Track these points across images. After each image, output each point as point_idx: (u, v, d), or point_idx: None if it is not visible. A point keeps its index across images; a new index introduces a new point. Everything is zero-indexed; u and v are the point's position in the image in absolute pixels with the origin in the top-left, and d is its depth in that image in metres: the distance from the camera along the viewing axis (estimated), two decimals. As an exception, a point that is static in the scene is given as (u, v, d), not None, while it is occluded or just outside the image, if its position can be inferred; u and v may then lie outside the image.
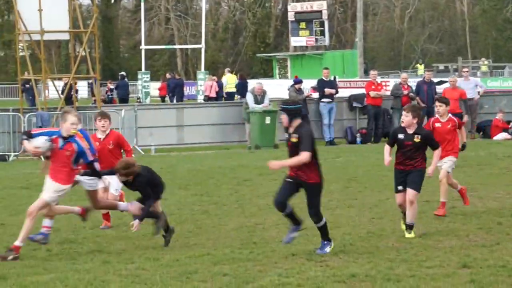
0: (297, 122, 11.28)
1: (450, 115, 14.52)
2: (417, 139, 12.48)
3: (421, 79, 34.50)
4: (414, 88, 30.57)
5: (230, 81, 45.58)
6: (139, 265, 10.88)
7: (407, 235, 12.35)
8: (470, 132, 30.50)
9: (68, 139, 11.57)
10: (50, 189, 11.62)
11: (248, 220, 14.21)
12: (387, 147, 12.87)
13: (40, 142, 11.58)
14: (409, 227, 12.45)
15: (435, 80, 35.58)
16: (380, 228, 13.25)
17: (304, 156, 11.01)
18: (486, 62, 66.24)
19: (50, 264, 11.12)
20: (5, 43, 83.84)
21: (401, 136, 12.57)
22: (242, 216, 14.49)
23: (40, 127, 27.29)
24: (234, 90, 43.95)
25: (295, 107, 11.37)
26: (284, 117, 11.30)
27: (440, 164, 14.07)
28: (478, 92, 30.91)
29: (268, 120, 27.58)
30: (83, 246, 12.32)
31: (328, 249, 11.30)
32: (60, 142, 11.54)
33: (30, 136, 11.64)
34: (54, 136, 11.56)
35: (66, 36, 31.20)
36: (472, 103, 30.57)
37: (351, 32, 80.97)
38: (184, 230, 13.53)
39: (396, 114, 30.09)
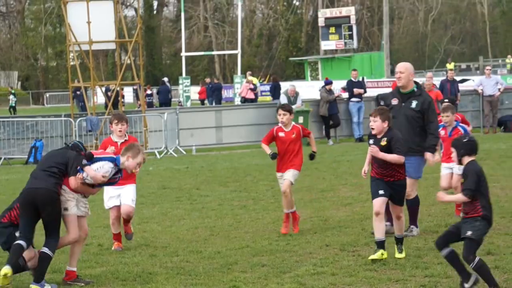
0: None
1: (293, 123, 12.69)
2: (383, 142, 10.44)
3: (444, 78, 34.25)
4: (438, 86, 30.36)
5: (253, 82, 45.56)
6: (183, 258, 10.92)
7: (397, 255, 10.44)
8: (491, 127, 30.31)
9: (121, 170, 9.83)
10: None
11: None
12: (367, 156, 10.70)
13: (106, 170, 9.58)
14: (400, 242, 10.59)
15: (458, 78, 35.31)
16: (407, 218, 13.16)
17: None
18: (511, 60, 65.56)
19: (102, 258, 11.20)
20: (57, 54, 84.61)
21: (370, 141, 10.59)
22: (279, 210, 14.49)
23: (90, 130, 27.52)
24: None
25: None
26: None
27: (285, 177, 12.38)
28: (499, 89, 30.71)
29: (301, 119, 27.51)
30: (131, 241, 12.38)
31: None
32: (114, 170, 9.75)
33: (91, 158, 9.56)
34: (114, 163, 9.74)
35: (112, 46, 31.38)
36: (493, 99, 30.40)
37: (377, 35, 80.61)
38: (224, 224, 13.55)
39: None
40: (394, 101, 11.72)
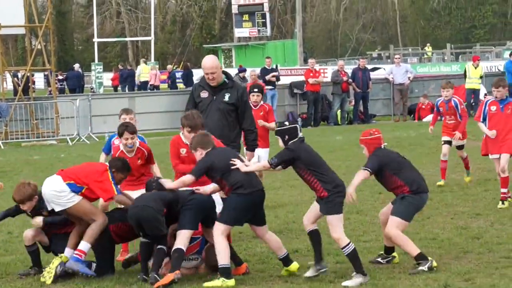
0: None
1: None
2: None
3: (356, 66, 34.73)
4: (350, 75, 30.79)
5: (144, 70, 45.53)
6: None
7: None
8: (401, 115, 30.87)
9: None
10: None
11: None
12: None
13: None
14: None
15: (369, 67, 35.85)
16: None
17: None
18: (430, 48, 66.90)
19: (11, 246, 10.97)
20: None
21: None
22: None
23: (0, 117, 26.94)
24: (148, 79, 43.91)
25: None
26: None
27: None
28: (409, 77, 31.28)
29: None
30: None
31: None
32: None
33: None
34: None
35: (22, 31, 30.73)
36: (403, 88, 30.95)
37: (291, 23, 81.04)
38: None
39: (336, 99, 30.30)
40: (204, 94, 10.47)
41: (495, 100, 13.07)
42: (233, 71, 39.91)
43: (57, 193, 9.12)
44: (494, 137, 12.86)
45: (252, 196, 8.85)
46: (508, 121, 12.89)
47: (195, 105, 10.48)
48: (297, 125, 9.11)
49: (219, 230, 8.82)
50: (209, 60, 10.47)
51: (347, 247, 8.81)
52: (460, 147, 15.28)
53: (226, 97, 10.35)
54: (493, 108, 13.02)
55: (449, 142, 15.15)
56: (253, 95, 13.44)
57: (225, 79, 10.48)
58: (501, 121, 12.90)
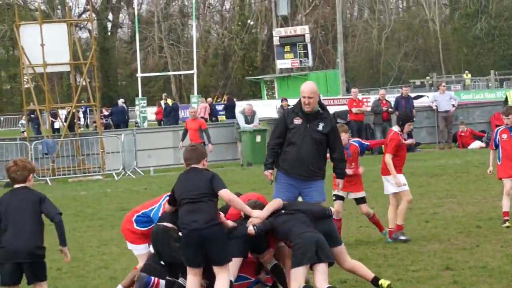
0: None
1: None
2: None
3: (399, 94, 34.58)
4: (393, 103, 30.67)
5: (170, 104, 45.97)
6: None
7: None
8: (446, 142, 30.63)
9: None
10: None
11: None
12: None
13: None
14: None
15: (412, 95, 35.65)
16: (367, 235, 13.25)
17: None
18: (469, 76, 66.53)
19: (61, 282, 11.07)
20: (10, 77, 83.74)
21: None
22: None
23: (46, 154, 27.27)
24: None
25: None
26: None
27: None
28: (453, 104, 31.06)
29: (258, 138, 27.58)
30: (91, 264, 12.27)
31: None
32: None
33: None
34: None
35: (67, 68, 31.20)
36: (448, 115, 30.73)
37: (332, 53, 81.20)
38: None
39: (378, 129, 30.20)
40: (297, 121, 10.45)
41: (505, 128, 13.69)
42: (276, 102, 40.06)
43: None
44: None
45: (186, 237, 8.46)
46: None
47: (285, 131, 10.37)
48: None
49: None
50: (308, 85, 10.46)
51: None
52: None
53: (320, 127, 10.35)
54: (504, 136, 13.66)
55: None
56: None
57: (319, 109, 10.45)
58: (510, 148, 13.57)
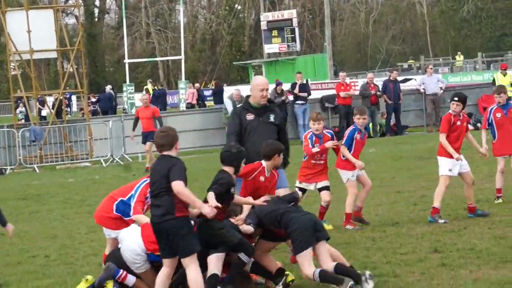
0: None
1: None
2: None
3: (387, 78, 34.61)
4: (381, 87, 30.70)
5: (148, 91, 45.83)
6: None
7: None
8: (434, 125, 30.65)
9: None
10: None
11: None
12: None
13: None
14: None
15: (400, 78, 35.69)
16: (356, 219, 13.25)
17: None
18: (461, 57, 66.57)
19: (49, 269, 11.06)
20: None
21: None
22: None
23: (34, 141, 27.19)
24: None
25: None
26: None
27: None
28: (441, 87, 31.09)
29: (246, 123, 27.56)
30: (79, 251, 12.26)
31: None
32: None
33: None
34: None
35: (54, 55, 31.07)
36: (436, 98, 30.77)
37: (320, 37, 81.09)
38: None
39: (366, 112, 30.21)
40: (250, 117, 10.78)
41: (498, 106, 13.94)
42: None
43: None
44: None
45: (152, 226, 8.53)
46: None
47: (240, 128, 10.68)
48: None
49: None
50: (262, 78, 11.01)
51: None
52: None
53: (272, 118, 10.82)
54: (498, 115, 13.92)
55: None
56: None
57: (266, 101, 10.89)
58: (508, 125, 13.80)
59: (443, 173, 12.88)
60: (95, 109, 44.72)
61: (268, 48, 61.64)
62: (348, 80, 34.21)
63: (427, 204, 14.16)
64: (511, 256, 9.92)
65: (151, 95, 47.19)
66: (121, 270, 9.02)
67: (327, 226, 11.81)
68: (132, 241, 9.03)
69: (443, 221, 12.43)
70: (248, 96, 11.03)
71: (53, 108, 31.18)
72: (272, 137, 10.56)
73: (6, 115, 62.33)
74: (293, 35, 60.51)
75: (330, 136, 12.64)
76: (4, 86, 76.45)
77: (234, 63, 74.65)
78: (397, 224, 12.56)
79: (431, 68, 33.15)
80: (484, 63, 63.56)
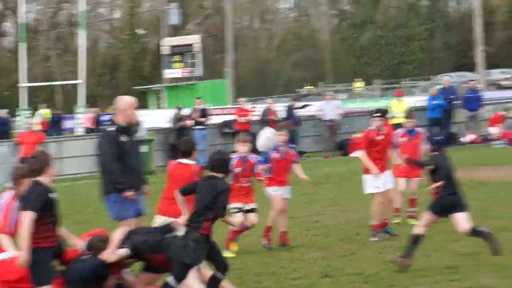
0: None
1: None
2: None
3: (289, 103, 34.93)
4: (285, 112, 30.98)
5: (46, 115, 45.31)
6: None
7: None
8: (331, 151, 30.96)
9: None
10: None
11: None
12: None
13: None
14: None
15: (301, 104, 36.01)
16: (249, 244, 13.24)
17: None
18: (362, 84, 67.70)
19: None
20: None
21: None
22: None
23: None
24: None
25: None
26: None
27: None
28: (339, 113, 31.54)
29: (145, 148, 27.30)
30: None
31: None
32: None
33: None
34: None
35: None
36: (333, 124, 31.18)
37: (221, 63, 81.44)
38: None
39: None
40: (124, 138, 10.42)
41: (405, 131, 14.67)
42: (164, 113, 39.80)
43: None
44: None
45: None
46: (415, 150, 13.86)
47: (118, 152, 10.37)
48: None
49: None
50: (130, 99, 10.66)
51: None
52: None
53: (138, 136, 10.76)
54: (404, 139, 14.53)
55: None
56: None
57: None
58: (409, 149, 13.97)
59: (369, 192, 13.06)
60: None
61: (169, 73, 61.54)
62: (249, 106, 34.35)
63: (321, 229, 14.29)
64: (397, 281, 10.06)
65: (50, 120, 46.56)
66: None
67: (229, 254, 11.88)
68: None
69: (376, 239, 12.81)
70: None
71: None
72: (139, 155, 10.59)
73: None
74: (195, 60, 60.64)
75: (253, 161, 12.55)
76: None
77: (134, 88, 74.17)
78: (290, 249, 12.60)
79: (329, 95, 33.64)
80: (383, 89, 64.87)
